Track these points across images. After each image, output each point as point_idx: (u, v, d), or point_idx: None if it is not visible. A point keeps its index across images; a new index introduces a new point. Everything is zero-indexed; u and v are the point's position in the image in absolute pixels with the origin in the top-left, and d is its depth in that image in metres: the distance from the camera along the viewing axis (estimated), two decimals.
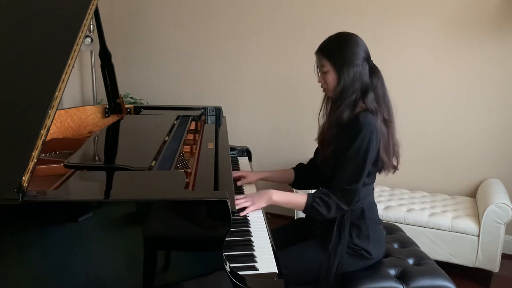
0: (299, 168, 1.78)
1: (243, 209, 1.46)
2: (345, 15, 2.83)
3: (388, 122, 1.47)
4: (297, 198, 1.48)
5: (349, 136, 1.41)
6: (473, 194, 2.71)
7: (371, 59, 1.49)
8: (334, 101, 1.49)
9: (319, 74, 1.52)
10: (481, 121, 2.64)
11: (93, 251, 0.99)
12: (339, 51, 1.45)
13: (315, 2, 2.91)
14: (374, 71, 1.47)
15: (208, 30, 3.27)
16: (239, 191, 1.75)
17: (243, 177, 1.79)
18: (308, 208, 1.44)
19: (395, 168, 1.54)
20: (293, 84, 3.04)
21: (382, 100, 1.46)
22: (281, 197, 1.49)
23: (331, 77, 1.47)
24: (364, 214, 1.51)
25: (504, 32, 2.49)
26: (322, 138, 1.57)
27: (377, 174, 1.55)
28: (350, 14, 2.82)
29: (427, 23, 2.66)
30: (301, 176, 1.77)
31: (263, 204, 1.49)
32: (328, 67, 1.46)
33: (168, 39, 3.43)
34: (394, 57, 2.76)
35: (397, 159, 1.53)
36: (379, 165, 1.49)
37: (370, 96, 1.44)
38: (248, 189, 1.76)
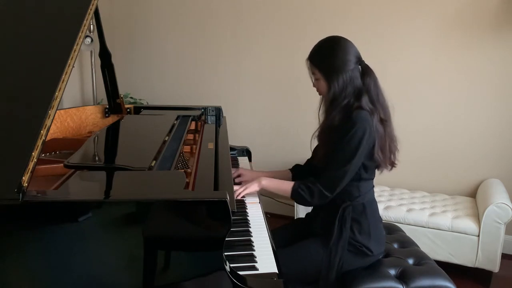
0: (296, 169, 1.82)
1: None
2: (345, 15, 2.83)
3: (384, 121, 1.49)
4: (285, 185, 1.55)
5: (342, 132, 1.44)
6: (473, 194, 2.71)
7: (363, 59, 1.50)
8: (327, 106, 1.52)
9: (313, 79, 1.55)
10: (481, 121, 2.64)
11: (93, 251, 0.99)
12: (327, 59, 1.47)
13: (315, 2, 2.91)
14: (366, 71, 1.49)
15: (208, 30, 3.27)
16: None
17: (240, 175, 1.84)
18: (294, 193, 1.50)
19: (392, 164, 1.55)
20: (293, 84, 3.04)
21: (377, 100, 1.48)
22: (269, 182, 1.59)
23: (322, 84, 1.50)
24: (365, 210, 1.52)
25: (504, 32, 2.49)
26: (320, 137, 1.60)
27: (376, 171, 1.57)
28: (350, 14, 2.82)
29: (427, 23, 2.66)
30: (298, 177, 1.79)
31: (256, 188, 1.59)
32: (318, 75, 1.50)
33: (168, 39, 3.43)
34: (394, 57, 2.76)
35: (394, 156, 1.54)
36: (376, 162, 1.50)
37: (365, 99, 1.45)
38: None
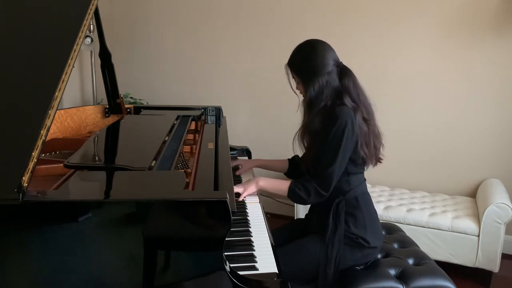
0: (294, 160, 1.86)
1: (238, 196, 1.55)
2: (345, 16, 2.83)
3: (367, 120, 1.50)
4: (282, 184, 1.55)
5: (326, 129, 1.46)
6: (473, 194, 2.71)
7: (341, 61, 1.53)
8: (306, 110, 1.55)
9: (292, 84, 1.59)
10: (481, 121, 2.64)
11: (93, 251, 0.99)
12: (304, 64, 1.51)
13: (316, 3, 2.91)
14: (344, 73, 1.51)
15: (208, 30, 3.27)
16: (237, 179, 1.84)
17: (239, 166, 1.91)
18: (290, 192, 1.50)
19: (378, 160, 1.58)
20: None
21: (358, 100, 1.50)
22: (266, 183, 1.59)
23: (302, 88, 1.55)
24: (358, 202, 1.54)
25: (504, 32, 2.49)
26: (304, 140, 1.62)
27: (365, 166, 1.58)
28: (350, 14, 2.82)
29: (427, 23, 2.66)
30: (294, 167, 1.85)
31: (253, 189, 1.59)
32: (297, 79, 1.55)
33: (168, 39, 3.43)
34: (395, 57, 2.76)
35: (379, 151, 1.57)
36: (362, 157, 1.52)
37: (347, 99, 1.47)
38: (246, 178, 1.84)
